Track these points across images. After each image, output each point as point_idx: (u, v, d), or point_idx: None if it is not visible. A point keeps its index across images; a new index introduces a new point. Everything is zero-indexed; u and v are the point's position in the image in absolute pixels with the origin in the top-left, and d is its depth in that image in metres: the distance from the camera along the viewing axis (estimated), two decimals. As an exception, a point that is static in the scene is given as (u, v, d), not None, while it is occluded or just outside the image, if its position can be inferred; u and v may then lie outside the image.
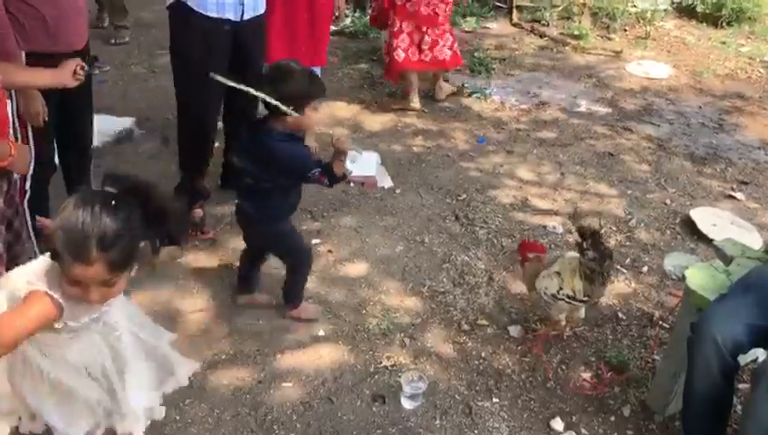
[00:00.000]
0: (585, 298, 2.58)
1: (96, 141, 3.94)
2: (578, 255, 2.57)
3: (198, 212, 3.36)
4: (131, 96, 4.71)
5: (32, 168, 2.62)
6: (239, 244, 3.22)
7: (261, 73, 3.22)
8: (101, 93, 4.76)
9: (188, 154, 3.34)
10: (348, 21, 6.28)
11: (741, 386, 2.47)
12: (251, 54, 3.13)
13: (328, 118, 4.55)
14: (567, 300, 2.58)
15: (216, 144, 3.89)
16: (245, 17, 3.01)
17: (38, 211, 2.74)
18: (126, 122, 4.24)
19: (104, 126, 4.11)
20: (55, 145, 2.83)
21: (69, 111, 2.71)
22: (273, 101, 2.30)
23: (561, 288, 2.55)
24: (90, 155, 3.04)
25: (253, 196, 2.55)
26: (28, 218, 2.72)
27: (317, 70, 3.90)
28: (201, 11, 2.90)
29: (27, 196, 2.68)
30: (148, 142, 4.11)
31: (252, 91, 2.32)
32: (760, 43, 6.52)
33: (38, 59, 2.44)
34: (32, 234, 2.74)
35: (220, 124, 3.59)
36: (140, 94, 4.74)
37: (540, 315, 2.85)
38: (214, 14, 2.92)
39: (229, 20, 2.96)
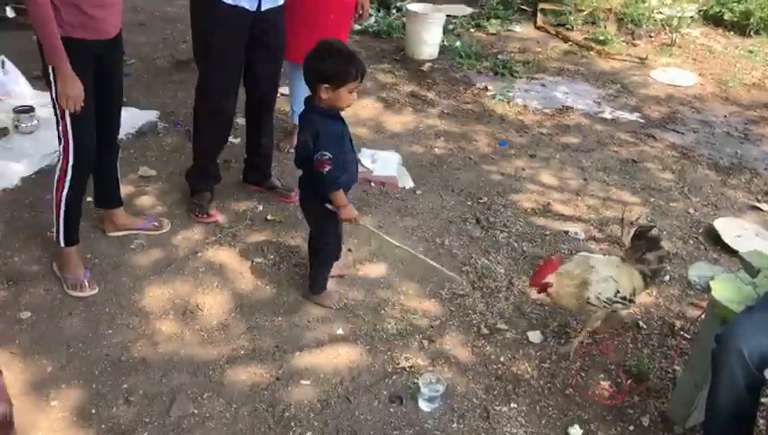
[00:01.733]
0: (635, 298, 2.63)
1: (120, 134, 4.00)
2: (606, 256, 2.59)
3: (207, 195, 3.38)
4: (155, 90, 4.74)
5: (72, 159, 2.66)
6: (260, 239, 3.25)
7: (279, 62, 3.30)
8: (125, 86, 4.77)
9: (203, 136, 3.34)
10: (372, 20, 6.28)
11: (764, 400, 2.44)
12: (269, 45, 3.15)
13: (350, 117, 4.55)
14: (624, 302, 2.58)
15: (238, 141, 3.92)
16: (263, 8, 3.03)
17: (75, 208, 2.79)
18: (150, 115, 4.27)
19: (128, 119, 4.12)
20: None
21: (103, 102, 2.73)
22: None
23: (618, 291, 2.54)
24: (118, 147, 3.07)
25: (304, 166, 2.65)
26: (62, 218, 2.75)
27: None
28: None
29: (66, 191, 2.71)
30: (171, 136, 4.13)
31: None
32: (788, 52, 6.44)
33: (73, 45, 2.47)
34: (61, 237, 2.79)
35: (242, 120, 3.61)
36: (164, 88, 4.77)
37: (573, 320, 2.81)
38: (230, 2, 2.95)
39: (246, 9, 2.98)
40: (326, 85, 2.46)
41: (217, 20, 2.98)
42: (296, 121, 4.07)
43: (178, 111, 4.37)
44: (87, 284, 2.82)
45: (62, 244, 2.80)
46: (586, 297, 2.54)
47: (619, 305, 2.60)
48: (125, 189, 3.46)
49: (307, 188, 2.73)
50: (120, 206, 3.15)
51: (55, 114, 2.61)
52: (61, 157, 2.67)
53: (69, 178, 2.68)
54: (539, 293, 2.65)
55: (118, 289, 2.88)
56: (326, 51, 2.48)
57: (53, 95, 2.54)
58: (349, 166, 2.64)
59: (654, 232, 2.65)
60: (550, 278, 2.56)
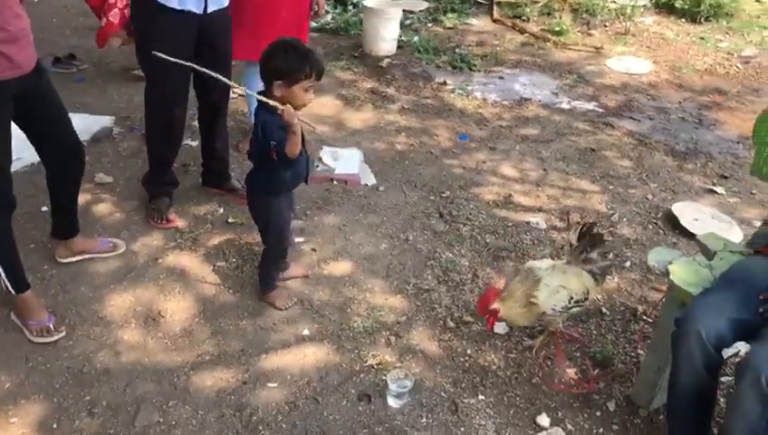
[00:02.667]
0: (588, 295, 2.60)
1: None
2: (551, 263, 2.58)
3: (165, 200, 3.33)
4: (110, 94, 4.65)
5: None
6: (221, 242, 3.21)
7: (228, 64, 3.22)
8: (79, 91, 4.72)
9: (156, 143, 3.28)
10: (328, 17, 6.26)
11: (724, 379, 2.50)
12: (217, 48, 3.10)
13: (310, 115, 4.52)
14: (580, 304, 2.55)
15: (196, 143, 3.87)
16: (209, 9, 2.99)
17: (7, 254, 2.58)
18: (105, 121, 4.19)
19: (82, 125, 4.04)
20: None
21: (45, 136, 2.65)
22: (226, 81, 2.63)
23: (571, 297, 2.50)
24: (78, 176, 2.88)
25: (253, 162, 2.67)
26: (2, 272, 2.56)
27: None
28: (164, 3, 2.88)
29: None
30: (127, 141, 4.06)
31: (206, 71, 2.54)
32: (737, 38, 6.59)
33: None
34: (9, 286, 2.59)
35: (196, 123, 3.57)
36: (119, 92, 4.68)
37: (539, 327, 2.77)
38: (176, 6, 2.90)
39: (192, 12, 2.94)
40: (279, 82, 2.43)
41: (163, 26, 2.91)
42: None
43: (134, 115, 4.30)
44: (53, 327, 2.63)
45: (13, 292, 2.60)
46: (540, 312, 2.48)
47: (576, 309, 2.57)
48: (81, 198, 3.39)
49: (253, 183, 2.71)
50: (78, 233, 3.01)
51: None
52: None
53: None
54: (489, 325, 2.59)
55: (77, 299, 2.82)
56: (281, 48, 2.46)
57: None
58: (297, 164, 2.62)
59: (595, 229, 2.62)
60: (495, 305, 2.48)
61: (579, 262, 2.60)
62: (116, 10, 4.29)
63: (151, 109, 3.21)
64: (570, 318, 2.72)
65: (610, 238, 3.13)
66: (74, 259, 3.01)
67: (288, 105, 2.44)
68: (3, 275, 2.57)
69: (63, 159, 2.77)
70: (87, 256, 3.03)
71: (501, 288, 2.56)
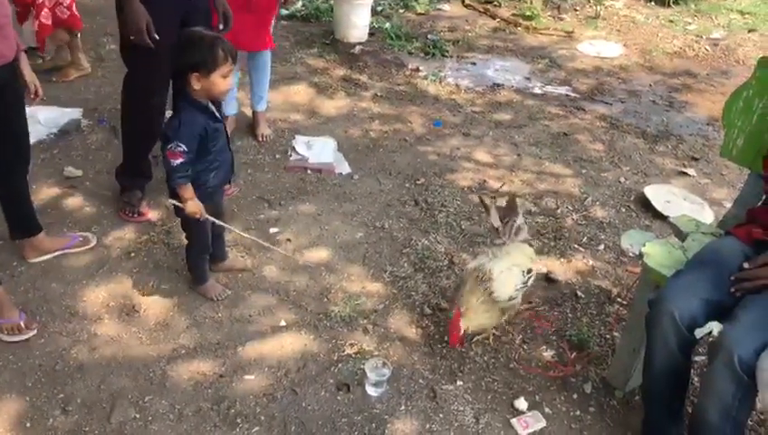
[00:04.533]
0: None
1: (42, 134, 3.84)
2: (489, 251, 2.61)
3: (137, 193, 3.28)
4: (77, 86, 4.55)
5: None
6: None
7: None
8: (46, 84, 4.60)
9: (133, 133, 3.22)
10: (299, 5, 6.19)
11: (698, 359, 2.53)
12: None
13: (283, 104, 4.48)
14: (531, 275, 2.61)
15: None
16: None
17: None
18: (73, 114, 4.11)
19: (50, 118, 3.98)
20: None
21: (6, 130, 2.58)
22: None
23: (523, 271, 2.55)
24: (27, 170, 2.81)
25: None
26: None
27: (267, 54, 3.85)
28: None
29: None
30: (96, 133, 3.98)
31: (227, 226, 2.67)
32: (706, 20, 6.66)
33: None
34: None
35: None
36: (86, 84, 4.59)
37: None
38: None
39: None
40: (197, 74, 2.37)
41: (147, 12, 2.84)
42: (261, 108, 4.00)
43: (102, 107, 4.22)
44: (24, 325, 2.57)
45: None
46: (506, 298, 2.49)
47: (532, 279, 2.62)
48: (50, 192, 3.34)
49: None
50: (40, 231, 2.92)
51: None
52: None
53: None
54: (460, 346, 2.57)
55: (48, 296, 2.77)
56: (188, 40, 2.40)
57: None
58: (220, 165, 2.59)
59: (500, 202, 2.67)
60: (462, 325, 2.44)
61: (512, 237, 2.66)
62: (46, 10, 4.19)
63: (130, 98, 3.14)
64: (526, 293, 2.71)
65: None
66: (44, 258, 2.94)
67: (193, 201, 2.49)
68: None
69: (11, 152, 2.68)
70: (57, 252, 2.97)
71: (459, 309, 2.46)
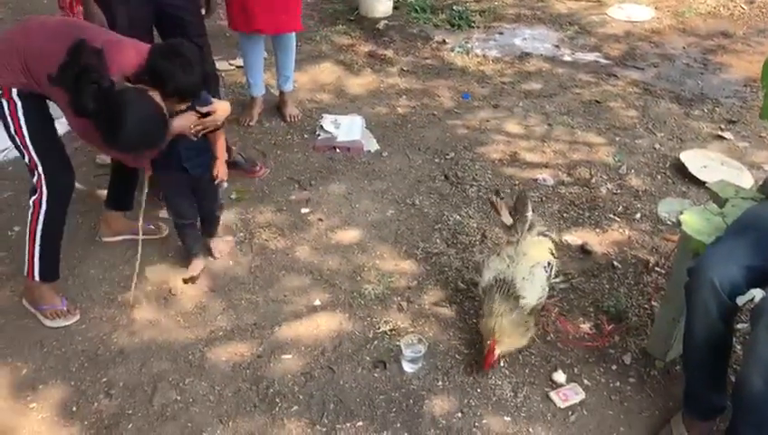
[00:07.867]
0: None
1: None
2: (505, 254, 2.50)
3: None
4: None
5: (45, 191, 2.47)
6: (228, 218, 3.19)
7: (203, 40, 3.11)
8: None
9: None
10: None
11: (740, 326, 2.48)
12: (184, 20, 2.99)
13: (310, 83, 4.47)
14: (554, 271, 2.56)
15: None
16: None
17: (51, 243, 2.58)
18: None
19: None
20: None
21: None
22: None
23: (544, 267, 2.47)
24: None
25: None
26: (36, 253, 2.56)
27: (293, 34, 3.83)
28: None
29: (41, 225, 2.50)
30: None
31: None
32: (741, -22, 6.43)
33: None
34: (36, 272, 2.57)
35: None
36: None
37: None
38: None
39: None
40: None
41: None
42: (287, 88, 3.99)
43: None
44: (67, 310, 2.64)
45: (37, 279, 2.59)
46: (535, 302, 2.40)
47: (555, 275, 2.56)
48: (83, 180, 3.38)
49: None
50: (129, 209, 3.01)
51: (17, 148, 2.45)
52: (35, 189, 2.49)
53: (44, 211, 2.49)
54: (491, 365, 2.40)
55: (87, 282, 2.83)
56: (167, 52, 2.35)
57: (12, 131, 2.40)
58: (197, 155, 2.65)
59: (510, 201, 2.60)
60: (497, 352, 2.35)
61: (526, 233, 2.55)
62: None
63: None
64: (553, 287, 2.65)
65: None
66: (116, 239, 3.03)
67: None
68: (36, 258, 2.55)
69: None
70: (128, 236, 3.01)
71: (495, 338, 2.33)
